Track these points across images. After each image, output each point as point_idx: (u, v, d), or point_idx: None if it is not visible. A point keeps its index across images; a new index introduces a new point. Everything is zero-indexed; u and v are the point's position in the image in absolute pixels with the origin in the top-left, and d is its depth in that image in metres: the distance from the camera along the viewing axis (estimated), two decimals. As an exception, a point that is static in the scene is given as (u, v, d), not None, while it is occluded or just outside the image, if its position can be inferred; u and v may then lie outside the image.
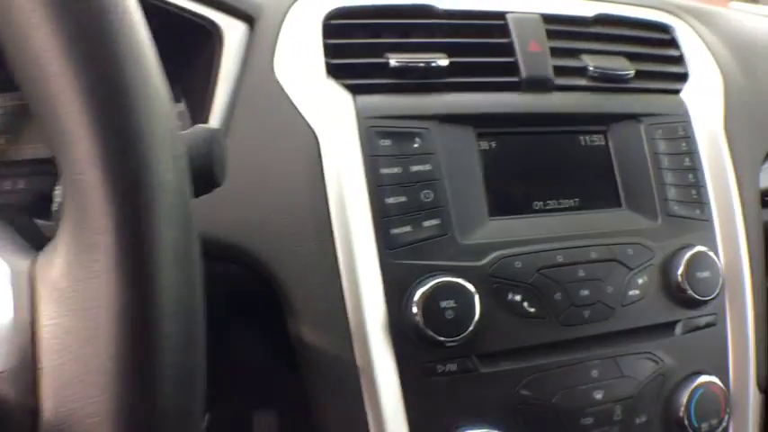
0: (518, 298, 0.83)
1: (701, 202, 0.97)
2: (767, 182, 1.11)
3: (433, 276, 0.80)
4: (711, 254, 0.93)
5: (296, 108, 0.83)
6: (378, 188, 0.81)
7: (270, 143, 0.83)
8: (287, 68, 0.85)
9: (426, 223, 0.82)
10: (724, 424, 0.92)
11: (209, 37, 0.86)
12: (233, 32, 0.86)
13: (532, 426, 0.83)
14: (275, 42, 0.86)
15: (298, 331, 0.81)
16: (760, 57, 1.16)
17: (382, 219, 0.80)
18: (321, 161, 0.81)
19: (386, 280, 0.80)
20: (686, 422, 0.89)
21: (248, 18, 0.86)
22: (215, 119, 0.84)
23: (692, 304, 0.92)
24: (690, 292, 0.90)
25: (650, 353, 0.89)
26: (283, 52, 0.86)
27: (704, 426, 0.91)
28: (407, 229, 0.81)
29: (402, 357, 0.80)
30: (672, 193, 0.95)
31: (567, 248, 0.87)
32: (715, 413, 0.92)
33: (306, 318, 0.80)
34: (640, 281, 0.89)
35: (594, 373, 0.86)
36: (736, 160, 1.03)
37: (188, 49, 0.87)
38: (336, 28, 0.87)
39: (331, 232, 0.80)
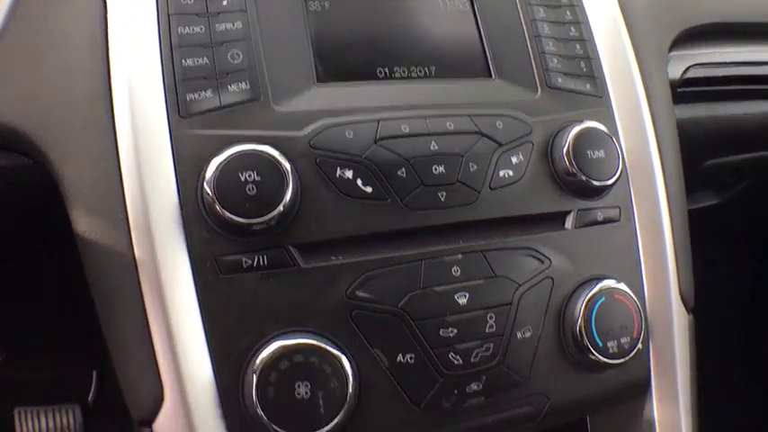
0: (349, 175, 0.64)
1: (591, 75, 0.79)
2: (677, 72, 0.94)
3: (233, 145, 0.60)
4: (605, 130, 0.74)
5: None
6: (175, 49, 0.64)
7: (51, 5, 0.67)
8: None
9: (233, 87, 0.65)
10: (639, 346, 0.72)
11: None
12: None
13: (373, 337, 0.63)
14: None
15: (74, 224, 0.63)
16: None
17: (176, 82, 0.63)
18: (106, 20, 0.65)
19: (178, 154, 0.62)
20: (585, 339, 0.69)
21: None
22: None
23: (586, 191, 0.73)
24: (580, 175, 0.71)
25: (532, 249, 0.69)
26: None
27: (611, 345, 0.70)
28: (207, 94, 0.64)
29: (195, 249, 0.60)
30: (554, 63, 0.77)
31: (414, 117, 0.68)
32: (625, 330, 0.71)
33: (80, 204, 0.63)
34: (514, 159, 0.70)
35: (456, 270, 0.66)
36: (637, 45, 0.85)
37: None
38: None
39: (109, 100, 0.63)
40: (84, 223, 0.62)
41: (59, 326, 1.09)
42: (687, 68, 0.98)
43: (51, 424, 1.38)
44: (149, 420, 0.60)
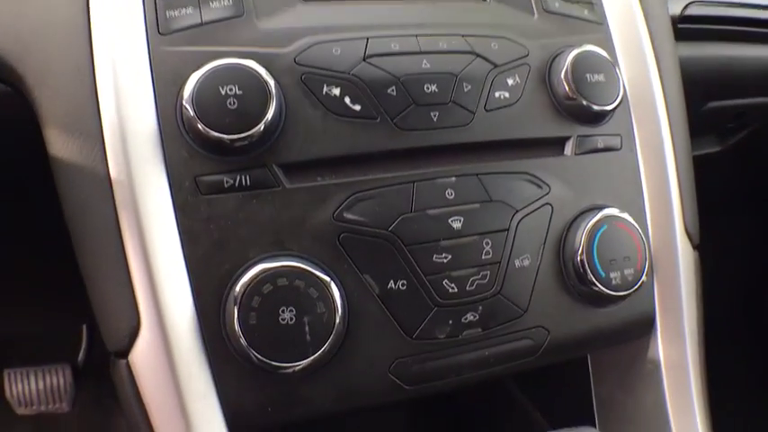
0: (336, 92, 0.60)
1: (589, 1, 0.75)
2: (677, 9, 0.90)
3: (214, 60, 0.57)
4: (606, 54, 0.70)
5: None
6: None
7: None
8: None
9: (214, 4, 0.61)
10: (643, 278, 0.68)
11: None
12: None
13: (363, 262, 0.59)
14: None
15: (49, 146, 0.60)
16: None
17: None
18: None
19: (156, 71, 0.58)
20: (587, 270, 0.65)
21: None
22: None
23: (585, 116, 0.69)
24: (579, 99, 0.67)
25: (530, 174, 0.66)
26: None
27: (614, 276, 0.67)
28: (188, 11, 0.60)
29: (174, 169, 0.57)
30: None
31: (405, 36, 0.64)
32: (628, 261, 0.68)
33: (54, 123, 0.59)
34: (510, 81, 0.66)
35: (449, 193, 0.62)
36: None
37: None
38: None
39: (87, 19, 0.60)
40: (58, 143, 0.59)
41: (48, 277, 1.06)
42: (687, 5, 0.95)
43: (41, 385, 1.36)
44: (125, 351, 0.57)
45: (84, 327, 1.43)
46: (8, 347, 1.41)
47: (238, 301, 0.54)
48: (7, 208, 0.87)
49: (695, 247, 0.77)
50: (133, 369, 0.57)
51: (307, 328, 0.55)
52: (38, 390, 1.39)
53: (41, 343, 1.45)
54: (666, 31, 0.82)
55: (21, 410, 1.43)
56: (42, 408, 1.41)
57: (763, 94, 1.14)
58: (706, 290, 0.79)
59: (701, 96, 1.06)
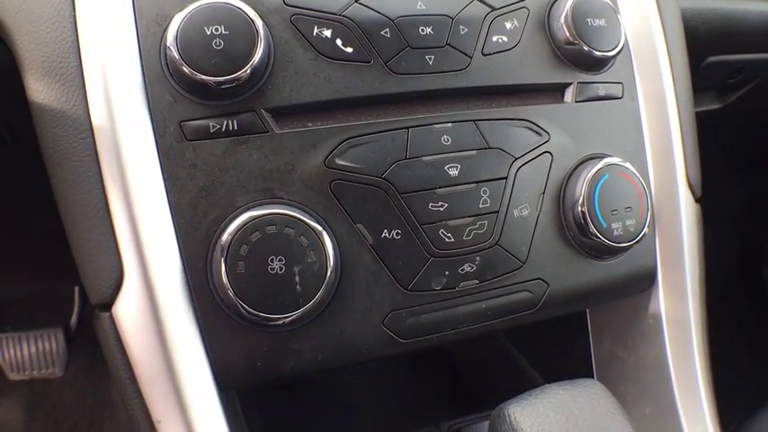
0: (327, 33, 0.57)
1: None
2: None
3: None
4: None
5: None
6: None
7: None
8: None
9: None
10: (645, 229, 0.66)
11: None
12: None
13: (355, 210, 0.57)
14: None
15: (29, 92, 0.57)
16: None
17: None
18: None
19: (138, 13, 0.56)
20: (588, 220, 0.63)
21: None
22: None
23: (586, 63, 0.67)
24: (580, 44, 0.65)
25: (529, 120, 0.63)
26: None
27: (616, 227, 0.64)
28: None
29: (158, 113, 0.55)
30: None
31: None
32: (630, 212, 0.65)
33: (34, 69, 0.56)
34: (508, 25, 0.63)
35: (446, 140, 0.60)
36: None
37: None
38: None
39: None
40: (38, 89, 0.56)
41: (36, 238, 1.04)
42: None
43: (34, 349, 1.34)
44: (108, 304, 0.55)
45: (76, 289, 1.41)
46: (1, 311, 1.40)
47: (226, 250, 0.52)
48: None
49: (697, 199, 0.74)
50: (117, 322, 0.55)
51: (297, 279, 0.53)
52: (30, 354, 1.38)
53: (33, 307, 1.43)
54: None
55: (13, 376, 1.42)
56: (35, 373, 1.40)
57: (763, 50, 1.11)
58: (707, 244, 0.77)
59: (702, 50, 1.03)
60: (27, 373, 1.41)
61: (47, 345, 1.39)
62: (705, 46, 1.02)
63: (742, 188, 1.71)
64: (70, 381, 1.50)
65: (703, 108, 1.20)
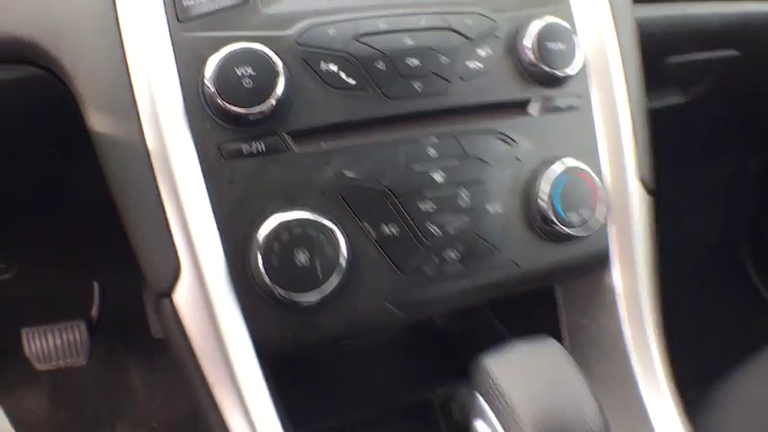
0: (333, 68, 0.71)
1: None
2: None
3: (228, 44, 0.67)
4: (565, 25, 0.81)
5: None
6: None
7: None
8: None
9: None
10: (598, 218, 0.80)
11: None
12: None
13: (361, 212, 0.71)
14: None
15: (89, 121, 0.70)
16: None
17: None
18: None
19: (179, 55, 0.68)
20: (550, 212, 0.77)
21: None
22: None
23: (548, 81, 0.80)
24: (542, 65, 0.78)
25: (500, 132, 0.77)
26: None
27: (573, 216, 0.78)
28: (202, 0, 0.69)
29: (200, 139, 0.68)
30: None
31: (390, 16, 0.75)
32: (586, 205, 0.79)
33: (94, 103, 0.69)
34: (482, 52, 0.77)
35: (431, 152, 0.74)
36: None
37: None
38: None
39: (114, 10, 0.69)
40: (98, 120, 0.69)
41: (61, 236, 1.16)
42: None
43: (58, 341, 1.46)
44: (169, 292, 0.68)
45: (96, 284, 1.53)
46: (25, 305, 1.51)
47: (262, 246, 0.65)
48: (38, 176, 0.97)
49: (650, 191, 0.88)
50: (176, 306, 0.68)
51: (318, 268, 0.67)
52: (55, 345, 1.50)
53: (50, 303, 1.55)
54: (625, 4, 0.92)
55: (40, 366, 1.54)
56: (61, 362, 1.53)
57: (719, 47, 1.24)
58: (676, 230, 0.90)
59: (662, 51, 1.15)
60: (53, 363, 1.53)
61: (71, 336, 1.51)
62: (665, 48, 1.15)
63: (710, 175, 1.82)
64: (90, 370, 1.63)
65: (667, 103, 1.33)
